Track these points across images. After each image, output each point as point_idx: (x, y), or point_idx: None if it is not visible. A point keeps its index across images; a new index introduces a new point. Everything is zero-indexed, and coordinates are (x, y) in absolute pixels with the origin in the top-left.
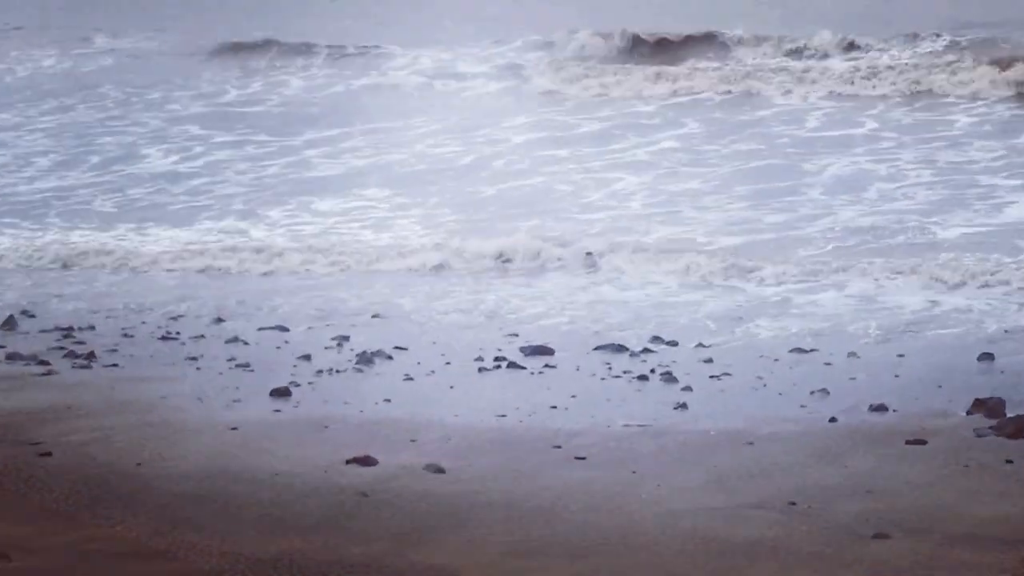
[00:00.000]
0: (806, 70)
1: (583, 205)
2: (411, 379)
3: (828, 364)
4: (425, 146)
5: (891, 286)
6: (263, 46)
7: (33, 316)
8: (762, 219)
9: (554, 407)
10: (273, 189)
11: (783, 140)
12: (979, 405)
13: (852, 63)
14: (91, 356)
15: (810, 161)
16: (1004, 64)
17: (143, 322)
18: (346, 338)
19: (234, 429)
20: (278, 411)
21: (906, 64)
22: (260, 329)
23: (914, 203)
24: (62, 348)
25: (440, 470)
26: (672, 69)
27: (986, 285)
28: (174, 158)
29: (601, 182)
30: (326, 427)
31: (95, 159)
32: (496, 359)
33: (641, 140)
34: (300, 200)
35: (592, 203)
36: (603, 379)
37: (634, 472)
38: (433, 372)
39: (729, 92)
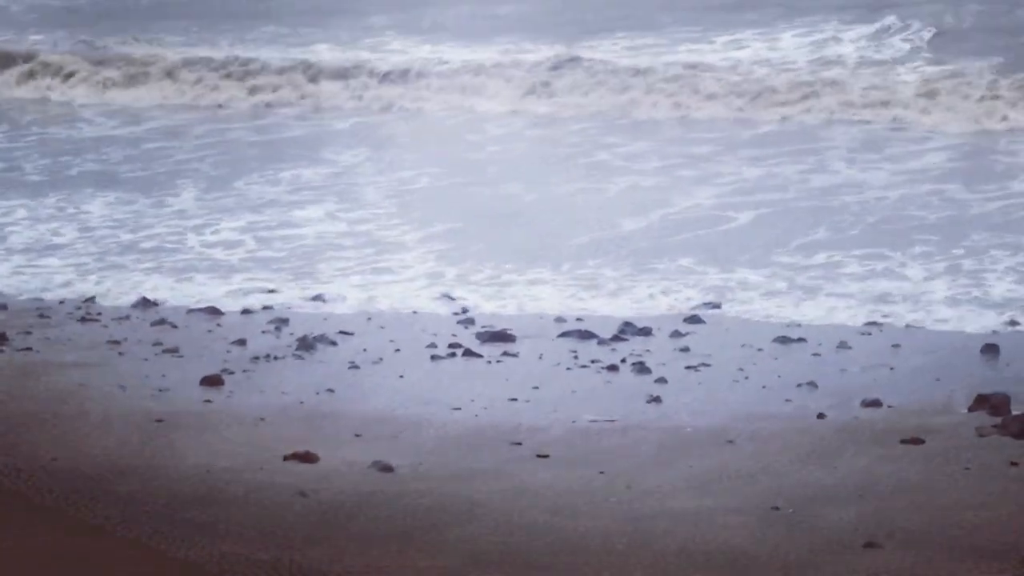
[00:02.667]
0: None
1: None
2: (356, 367)
3: (816, 355)
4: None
5: (885, 268)
6: None
7: None
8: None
9: (514, 400)
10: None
11: None
12: (982, 401)
13: None
14: (2, 338)
15: None
16: None
17: (60, 301)
18: (285, 321)
19: (160, 421)
20: (209, 401)
21: None
22: (190, 311)
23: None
24: None
25: (388, 468)
26: None
27: (987, 271)
28: None
29: None
30: (262, 419)
31: None
32: (450, 346)
33: None
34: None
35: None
36: (568, 369)
37: (602, 472)
38: (381, 360)
39: None
